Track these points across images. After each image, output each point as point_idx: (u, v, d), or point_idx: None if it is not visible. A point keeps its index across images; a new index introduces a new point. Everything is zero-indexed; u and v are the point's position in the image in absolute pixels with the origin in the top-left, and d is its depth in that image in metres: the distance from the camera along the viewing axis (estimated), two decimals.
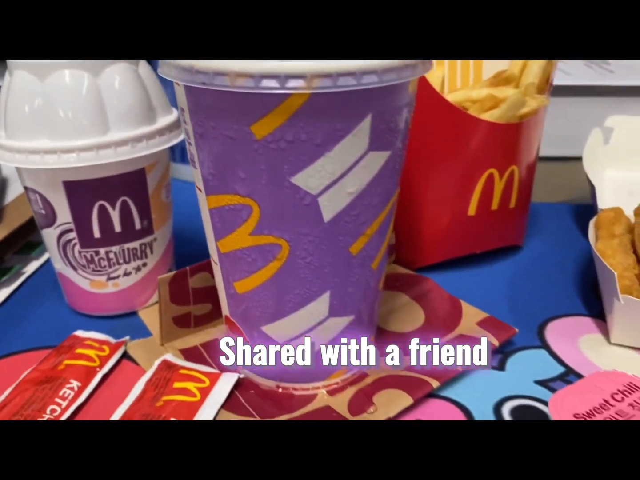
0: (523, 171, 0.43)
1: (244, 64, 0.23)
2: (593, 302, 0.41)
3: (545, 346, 0.37)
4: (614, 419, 0.27)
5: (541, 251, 0.48)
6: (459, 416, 0.32)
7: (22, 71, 0.33)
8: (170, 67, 0.25)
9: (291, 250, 0.28)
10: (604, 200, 0.53)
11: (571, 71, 0.72)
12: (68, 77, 0.33)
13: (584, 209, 0.55)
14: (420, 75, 0.26)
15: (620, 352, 0.37)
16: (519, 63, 0.43)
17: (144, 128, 0.36)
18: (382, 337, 0.38)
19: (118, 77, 0.35)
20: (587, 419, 0.27)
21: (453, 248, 0.44)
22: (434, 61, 0.46)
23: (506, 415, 0.32)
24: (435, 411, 0.32)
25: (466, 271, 0.46)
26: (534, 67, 0.42)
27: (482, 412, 0.32)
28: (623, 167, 0.56)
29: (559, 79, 0.69)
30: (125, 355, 0.37)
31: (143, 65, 0.37)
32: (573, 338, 0.38)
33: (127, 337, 0.38)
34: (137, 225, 0.38)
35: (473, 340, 0.36)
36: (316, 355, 0.31)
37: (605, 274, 0.37)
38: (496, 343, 0.35)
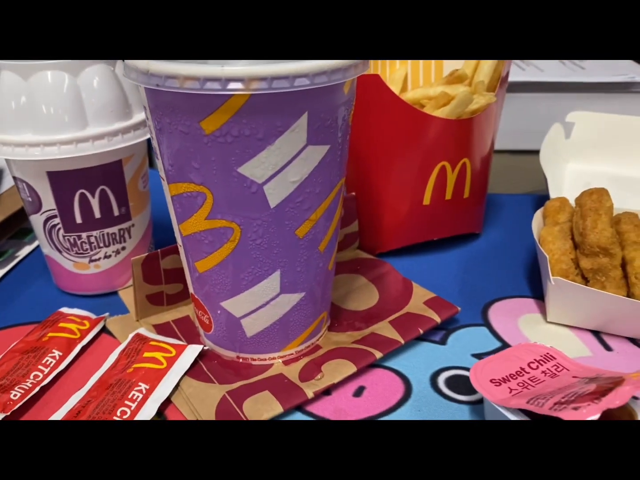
0: (476, 163, 0.46)
1: (191, 68, 0.26)
2: (536, 285, 0.45)
3: (487, 324, 0.41)
4: (526, 384, 0.30)
5: (497, 239, 0.52)
6: (399, 384, 0.35)
7: (8, 72, 0.37)
8: (130, 70, 0.29)
9: (242, 233, 0.31)
10: (564, 191, 0.56)
11: (544, 67, 0.75)
12: (50, 77, 0.37)
13: (545, 200, 0.59)
14: (352, 77, 0.29)
15: (554, 329, 0.40)
16: (471, 63, 0.46)
17: (120, 123, 0.39)
18: (339, 314, 0.41)
19: (96, 77, 0.38)
20: (502, 383, 0.30)
21: (411, 235, 0.48)
22: (371, 63, 0.49)
23: (441, 384, 0.35)
24: (377, 379, 0.36)
25: (425, 256, 0.49)
26: (485, 67, 0.45)
27: (420, 381, 0.35)
28: (582, 160, 0.58)
29: (531, 76, 0.72)
30: (104, 330, 0.41)
31: (120, 66, 0.40)
32: (514, 317, 0.41)
33: (107, 314, 0.41)
34: (116, 212, 0.41)
35: (418, 317, 0.39)
36: (271, 327, 0.35)
37: (541, 258, 0.40)
38: (438, 320, 0.39)
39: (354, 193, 0.47)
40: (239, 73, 0.26)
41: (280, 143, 0.29)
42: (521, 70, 0.74)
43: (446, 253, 0.50)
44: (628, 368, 0.36)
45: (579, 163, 0.59)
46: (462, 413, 0.33)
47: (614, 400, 0.26)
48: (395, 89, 0.48)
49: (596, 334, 0.39)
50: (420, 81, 0.51)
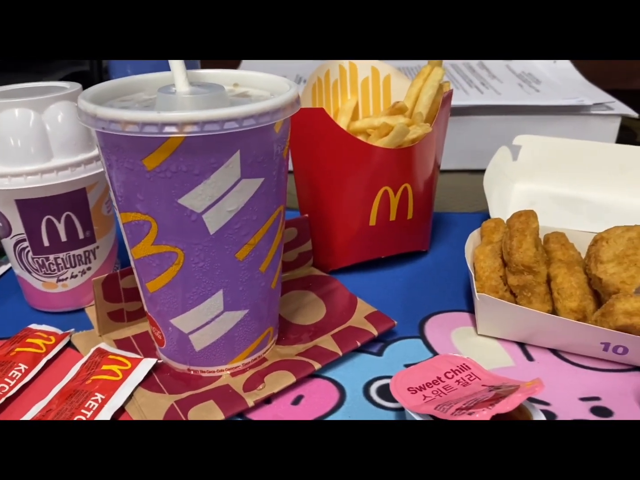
0: (417, 187, 0.50)
1: (132, 114, 0.30)
2: (472, 300, 0.48)
3: (422, 336, 0.44)
4: (440, 392, 0.34)
5: (443, 255, 0.55)
6: (334, 393, 0.39)
7: None
8: (81, 113, 0.32)
9: (186, 257, 0.35)
10: (509, 210, 0.59)
11: (502, 91, 0.79)
12: (17, 113, 0.40)
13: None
14: (280, 119, 0.33)
15: (483, 341, 0.43)
16: (412, 95, 0.50)
17: (83, 155, 0.43)
18: (287, 328, 0.45)
19: (60, 112, 0.42)
20: (418, 391, 0.34)
21: (360, 253, 0.51)
22: (324, 94, 0.54)
23: (373, 392, 0.38)
24: (315, 388, 0.39)
25: (374, 273, 0.52)
26: (424, 99, 0.48)
27: (354, 389, 0.39)
28: (528, 181, 0.62)
29: (490, 99, 0.76)
30: (69, 344, 0.44)
31: None
32: (448, 330, 0.45)
33: (72, 330, 0.45)
34: (81, 235, 0.45)
35: (357, 331, 0.43)
36: (217, 342, 0.38)
37: (470, 275, 0.44)
38: (375, 333, 0.42)
39: (307, 215, 0.51)
40: (174, 118, 0.30)
41: (216, 177, 0.32)
42: (480, 94, 0.78)
43: (394, 269, 0.53)
44: (545, 376, 0.39)
45: (525, 183, 0.63)
46: (385, 418, 0.36)
47: (505, 406, 0.30)
48: (345, 118, 0.52)
49: (522, 345, 0.43)
50: (370, 110, 0.55)
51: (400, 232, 0.51)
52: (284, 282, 0.50)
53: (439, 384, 0.34)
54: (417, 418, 0.32)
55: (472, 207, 0.66)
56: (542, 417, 0.31)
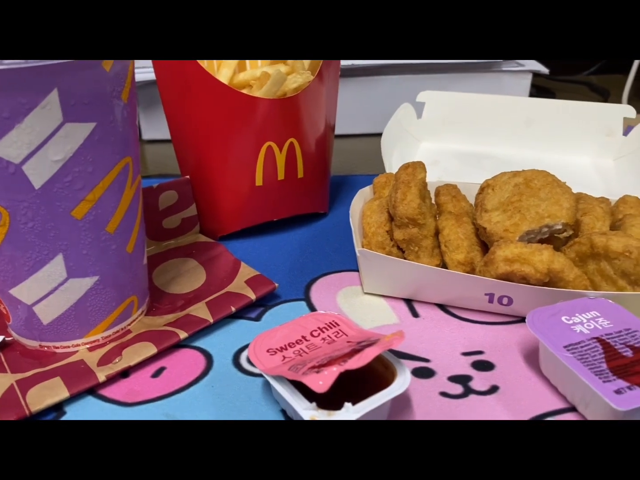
0: (306, 144, 0.47)
1: None
2: None
3: (307, 299, 0.41)
4: (302, 351, 0.31)
5: (343, 217, 0.52)
6: (201, 362, 0.35)
7: None
8: None
9: (11, 217, 0.31)
10: None
11: None
12: None
13: None
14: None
15: (369, 299, 0.41)
16: None
17: None
18: (161, 298, 0.41)
19: None
20: (278, 352, 0.31)
21: (249, 217, 0.48)
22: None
23: (243, 359, 0.35)
24: (180, 359, 0.35)
25: (270, 237, 0.49)
26: None
27: (224, 357, 0.36)
28: (434, 139, 0.60)
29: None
30: None
31: None
32: (334, 290, 0.42)
33: None
34: None
35: (234, 296, 0.39)
36: (67, 313, 0.34)
37: (352, 231, 0.41)
38: (253, 297, 0.39)
39: (187, 176, 0.47)
40: None
41: (31, 121, 0.28)
42: None
43: (288, 233, 0.50)
44: (428, 332, 0.37)
45: (432, 142, 0.60)
46: (252, 386, 0.33)
47: (357, 362, 0.27)
48: (227, 71, 0.48)
49: (409, 302, 0.40)
50: (259, 63, 0.51)
51: (291, 193, 0.48)
52: (167, 250, 0.47)
53: (302, 343, 0.31)
54: (270, 380, 0.29)
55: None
56: (408, 374, 0.29)
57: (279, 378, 0.29)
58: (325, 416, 0.26)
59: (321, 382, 0.26)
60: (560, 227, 0.37)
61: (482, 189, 0.41)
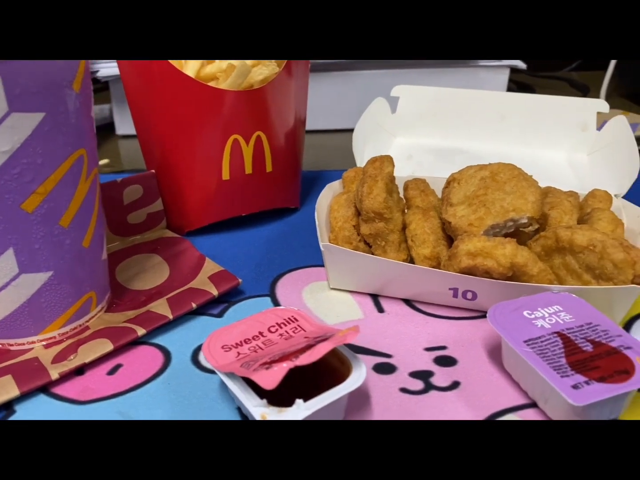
0: (274, 137, 0.46)
1: None
2: None
3: (272, 295, 0.40)
4: (257, 347, 0.30)
5: (313, 213, 0.51)
6: (159, 359, 0.34)
7: None
8: None
9: None
10: None
11: None
12: None
13: None
14: None
15: (335, 295, 0.40)
16: None
17: None
18: (123, 294, 0.40)
19: None
20: (233, 348, 0.30)
21: (217, 212, 0.47)
22: None
23: (201, 357, 0.35)
24: (138, 356, 0.35)
25: (236, 233, 0.48)
26: None
27: (183, 354, 0.35)
28: (409, 134, 0.59)
29: None
30: None
31: None
32: (301, 286, 0.41)
33: None
34: None
35: (196, 292, 0.39)
36: (20, 309, 0.33)
37: (317, 226, 0.40)
38: (215, 293, 0.38)
39: (153, 170, 0.46)
40: None
41: None
42: None
43: (258, 228, 0.49)
44: (392, 328, 0.36)
45: (406, 137, 0.60)
46: (209, 383, 0.32)
47: (309, 357, 0.26)
48: (194, 64, 0.47)
49: (375, 297, 0.40)
50: None
51: (260, 187, 0.47)
52: (132, 245, 0.46)
53: (259, 339, 0.31)
54: (222, 377, 0.28)
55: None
56: (363, 369, 0.28)
57: (232, 375, 0.28)
58: (275, 413, 0.26)
59: (270, 378, 0.25)
60: (525, 221, 0.37)
61: (449, 182, 0.41)
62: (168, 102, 0.43)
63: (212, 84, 0.45)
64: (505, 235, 0.38)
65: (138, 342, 0.36)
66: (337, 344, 0.27)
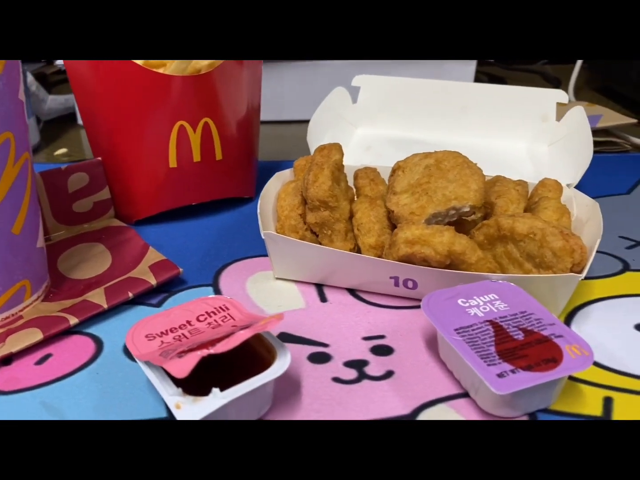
0: (224, 124, 0.45)
1: None
2: None
3: (215, 284, 0.40)
4: (182, 337, 0.29)
5: None
6: (91, 349, 0.34)
7: None
8: None
9: None
10: (346, 157, 0.56)
11: None
12: None
13: None
14: None
15: (279, 285, 0.39)
16: None
17: None
18: (62, 283, 0.39)
19: None
20: (157, 337, 0.29)
21: (165, 200, 0.46)
22: None
23: None
24: (69, 346, 0.34)
25: (185, 223, 0.48)
26: None
27: (115, 344, 0.34)
28: (369, 125, 0.59)
29: None
30: None
31: None
32: (245, 276, 0.41)
33: None
34: None
35: (134, 281, 0.38)
36: None
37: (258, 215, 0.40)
38: (154, 282, 0.38)
39: (99, 158, 0.45)
40: None
41: None
42: None
43: (209, 218, 0.48)
44: (332, 317, 0.36)
45: (366, 127, 0.59)
46: (139, 373, 0.32)
47: (225, 345, 0.26)
48: None
49: (319, 287, 0.39)
50: None
51: (210, 176, 0.46)
52: (77, 235, 0.45)
53: (185, 327, 0.30)
54: (141, 366, 0.27)
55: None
56: (288, 357, 0.28)
57: (150, 364, 0.27)
58: (190, 402, 0.25)
59: (182, 367, 0.25)
60: (467, 209, 0.36)
61: (394, 170, 0.40)
62: (113, 88, 0.42)
63: (161, 70, 0.44)
64: (449, 224, 0.37)
65: (71, 331, 0.35)
66: (257, 331, 0.26)
